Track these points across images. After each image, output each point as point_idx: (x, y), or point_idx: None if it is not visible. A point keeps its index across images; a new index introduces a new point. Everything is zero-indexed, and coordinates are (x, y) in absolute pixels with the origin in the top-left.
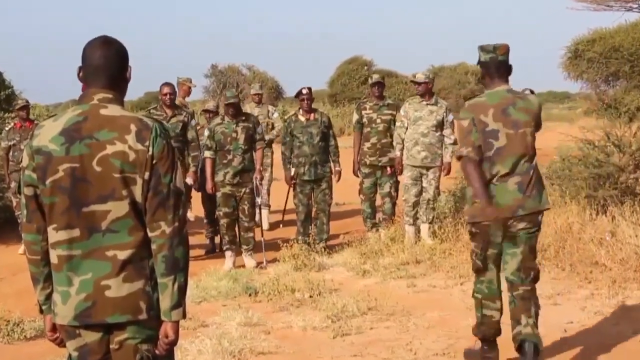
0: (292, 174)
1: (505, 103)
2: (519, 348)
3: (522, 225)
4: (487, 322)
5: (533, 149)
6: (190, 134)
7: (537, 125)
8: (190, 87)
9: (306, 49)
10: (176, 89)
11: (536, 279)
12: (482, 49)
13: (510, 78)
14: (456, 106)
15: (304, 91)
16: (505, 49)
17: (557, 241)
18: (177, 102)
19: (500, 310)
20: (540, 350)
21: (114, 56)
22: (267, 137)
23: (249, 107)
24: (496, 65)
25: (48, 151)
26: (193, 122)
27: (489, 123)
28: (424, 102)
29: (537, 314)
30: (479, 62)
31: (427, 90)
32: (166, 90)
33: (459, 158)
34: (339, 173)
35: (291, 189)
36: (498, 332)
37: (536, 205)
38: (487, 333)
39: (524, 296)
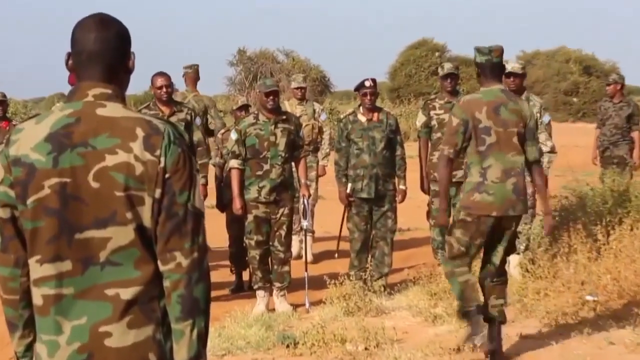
0: (349, 190)
1: (499, 102)
2: (487, 319)
3: (509, 224)
4: (465, 287)
5: (521, 149)
6: (196, 136)
7: (527, 128)
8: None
9: (360, 30)
10: (172, 80)
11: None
12: (479, 50)
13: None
14: (555, 104)
15: (367, 84)
16: (500, 52)
17: None
18: (190, 95)
19: (471, 271)
20: (504, 322)
21: (114, 40)
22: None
23: (288, 105)
24: (491, 66)
25: (30, 162)
26: (198, 121)
27: (482, 120)
28: None
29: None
30: (475, 63)
31: (520, 85)
32: (160, 81)
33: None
34: (403, 193)
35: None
36: (479, 297)
37: (524, 209)
38: (470, 299)
39: (497, 284)
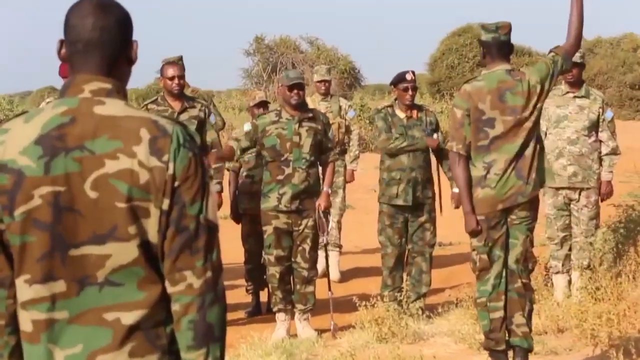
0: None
1: (503, 87)
2: (511, 346)
3: (523, 214)
4: (496, 325)
5: (533, 134)
6: (210, 136)
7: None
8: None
9: (395, 15)
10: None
11: (532, 269)
12: (484, 27)
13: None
14: (619, 99)
15: (408, 77)
16: (508, 28)
17: None
18: (187, 89)
19: (504, 307)
20: (531, 349)
21: (114, 26)
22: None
23: (310, 101)
24: (498, 45)
25: (18, 168)
26: (212, 118)
27: (485, 111)
28: (571, 94)
29: (530, 311)
30: (480, 42)
31: (579, 77)
32: (172, 71)
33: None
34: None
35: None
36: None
37: (536, 190)
38: (500, 336)
39: (521, 291)
